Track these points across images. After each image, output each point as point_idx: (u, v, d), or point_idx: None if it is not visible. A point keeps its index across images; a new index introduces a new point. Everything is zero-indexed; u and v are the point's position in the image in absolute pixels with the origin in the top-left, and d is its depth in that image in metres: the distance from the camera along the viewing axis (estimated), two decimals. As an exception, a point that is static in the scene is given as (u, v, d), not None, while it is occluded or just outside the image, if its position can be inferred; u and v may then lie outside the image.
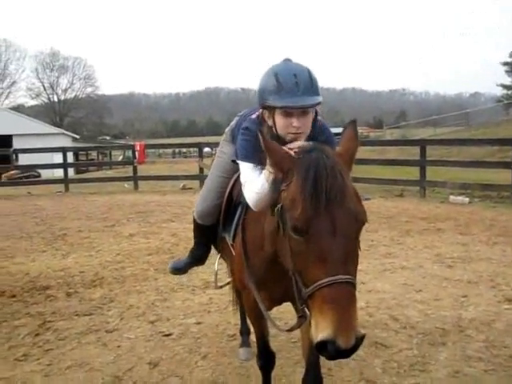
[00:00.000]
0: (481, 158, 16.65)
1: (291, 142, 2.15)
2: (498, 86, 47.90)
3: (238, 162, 2.34)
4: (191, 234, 3.27)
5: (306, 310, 1.72)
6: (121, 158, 35.41)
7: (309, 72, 2.24)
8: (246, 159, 2.29)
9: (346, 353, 1.55)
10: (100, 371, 3.42)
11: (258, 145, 2.17)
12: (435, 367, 3.33)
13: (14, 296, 5.03)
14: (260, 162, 2.17)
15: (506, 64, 46.12)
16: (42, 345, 3.87)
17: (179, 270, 3.34)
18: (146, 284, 5.36)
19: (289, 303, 2.56)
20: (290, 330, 2.20)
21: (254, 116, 2.48)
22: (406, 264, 5.82)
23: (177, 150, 45.86)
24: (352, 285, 1.61)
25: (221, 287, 3.53)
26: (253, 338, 3.67)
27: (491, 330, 3.90)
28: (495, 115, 40.70)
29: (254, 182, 2.12)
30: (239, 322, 3.77)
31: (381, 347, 3.64)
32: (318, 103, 2.22)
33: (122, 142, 49.33)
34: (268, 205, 2.03)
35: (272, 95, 2.20)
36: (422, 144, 12.34)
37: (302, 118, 2.18)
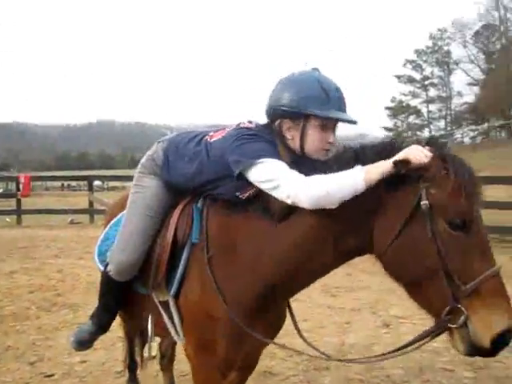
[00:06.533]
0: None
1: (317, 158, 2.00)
2: (381, 128, 52.03)
3: (257, 161, 1.90)
4: (78, 270, 3.11)
5: (463, 309, 1.61)
6: (1, 190, 33.08)
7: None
8: (271, 156, 1.92)
9: None
10: (-30, 419, 3.14)
11: (276, 152, 1.97)
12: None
13: None
14: None
15: (388, 108, 50.22)
16: None
17: (84, 344, 2.53)
18: (27, 323, 5.02)
19: None
20: (420, 340, 1.82)
21: (252, 125, 2.10)
22: (296, 296, 6.01)
23: (65, 183, 43.79)
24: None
25: (154, 357, 3.18)
26: (141, 374, 3.59)
27: (371, 353, 4.13)
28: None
29: (318, 179, 1.79)
30: (127, 358, 3.65)
31: (269, 375, 3.72)
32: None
33: (6, 174, 46.21)
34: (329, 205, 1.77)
35: (318, 104, 1.98)
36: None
37: (334, 134, 2.05)
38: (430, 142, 1.79)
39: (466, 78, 47.64)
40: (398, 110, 50.63)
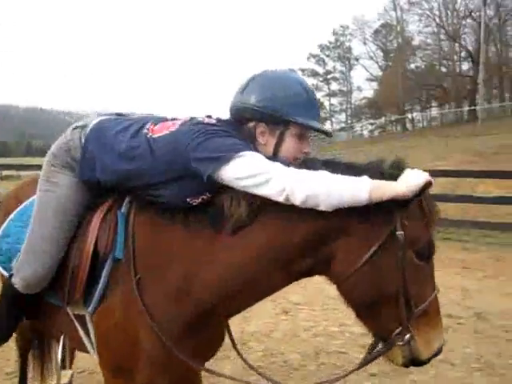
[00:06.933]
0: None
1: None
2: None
3: (235, 155, 1.63)
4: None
5: (411, 328, 1.67)
6: None
7: None
8: (250, 150, 1.68)
9: None
10: None
11: (250, 148, 1.73)
12: (218, 380, 3.53)
13: None
14: None
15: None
16: None
17: None
18: None
19: None
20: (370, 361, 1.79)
21: (214, 121, 1.83)
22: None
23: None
24: None
25: None
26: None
27: (270, 340, 4.30)
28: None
29: (321, 175, 1.60)
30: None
31: (169, 367, 3.73)
32: None
33: None
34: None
35: (302, 111, 1.78)
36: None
37: (309, 143, 1.88)
38: (394, 166, 1.67)
39: (366, 73, 50.04)
40: (302, 102, 51.97)
